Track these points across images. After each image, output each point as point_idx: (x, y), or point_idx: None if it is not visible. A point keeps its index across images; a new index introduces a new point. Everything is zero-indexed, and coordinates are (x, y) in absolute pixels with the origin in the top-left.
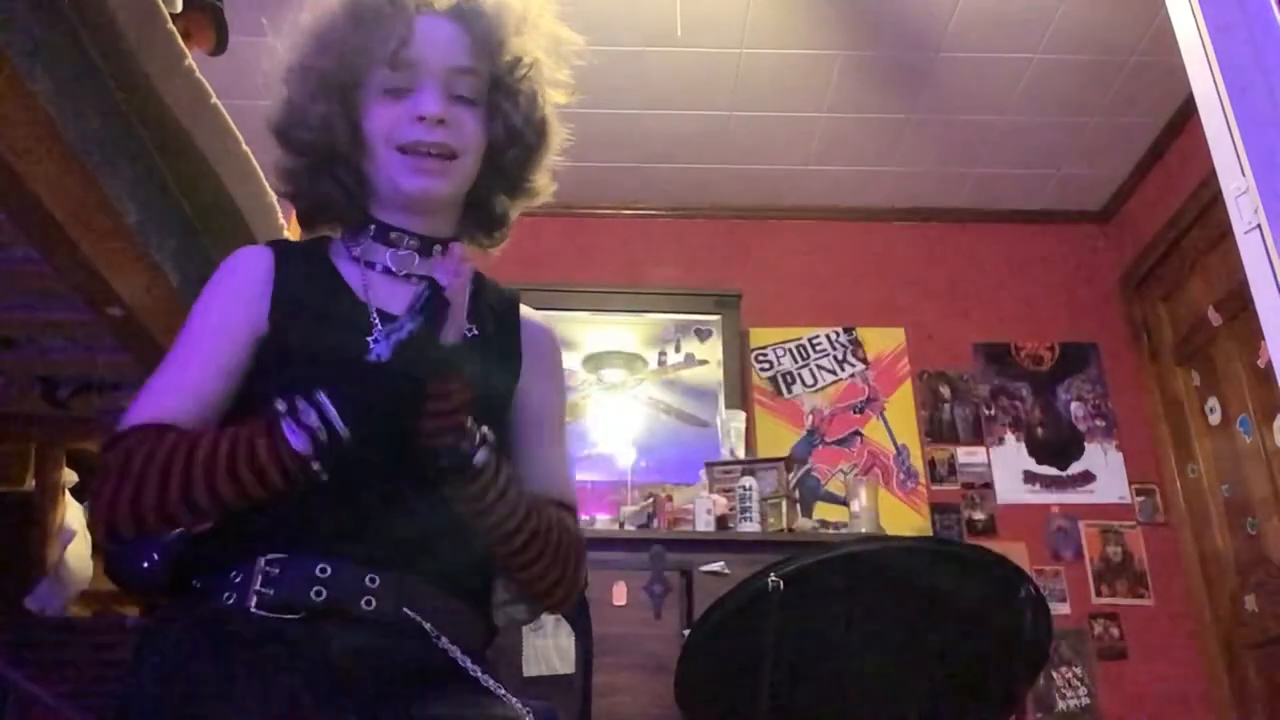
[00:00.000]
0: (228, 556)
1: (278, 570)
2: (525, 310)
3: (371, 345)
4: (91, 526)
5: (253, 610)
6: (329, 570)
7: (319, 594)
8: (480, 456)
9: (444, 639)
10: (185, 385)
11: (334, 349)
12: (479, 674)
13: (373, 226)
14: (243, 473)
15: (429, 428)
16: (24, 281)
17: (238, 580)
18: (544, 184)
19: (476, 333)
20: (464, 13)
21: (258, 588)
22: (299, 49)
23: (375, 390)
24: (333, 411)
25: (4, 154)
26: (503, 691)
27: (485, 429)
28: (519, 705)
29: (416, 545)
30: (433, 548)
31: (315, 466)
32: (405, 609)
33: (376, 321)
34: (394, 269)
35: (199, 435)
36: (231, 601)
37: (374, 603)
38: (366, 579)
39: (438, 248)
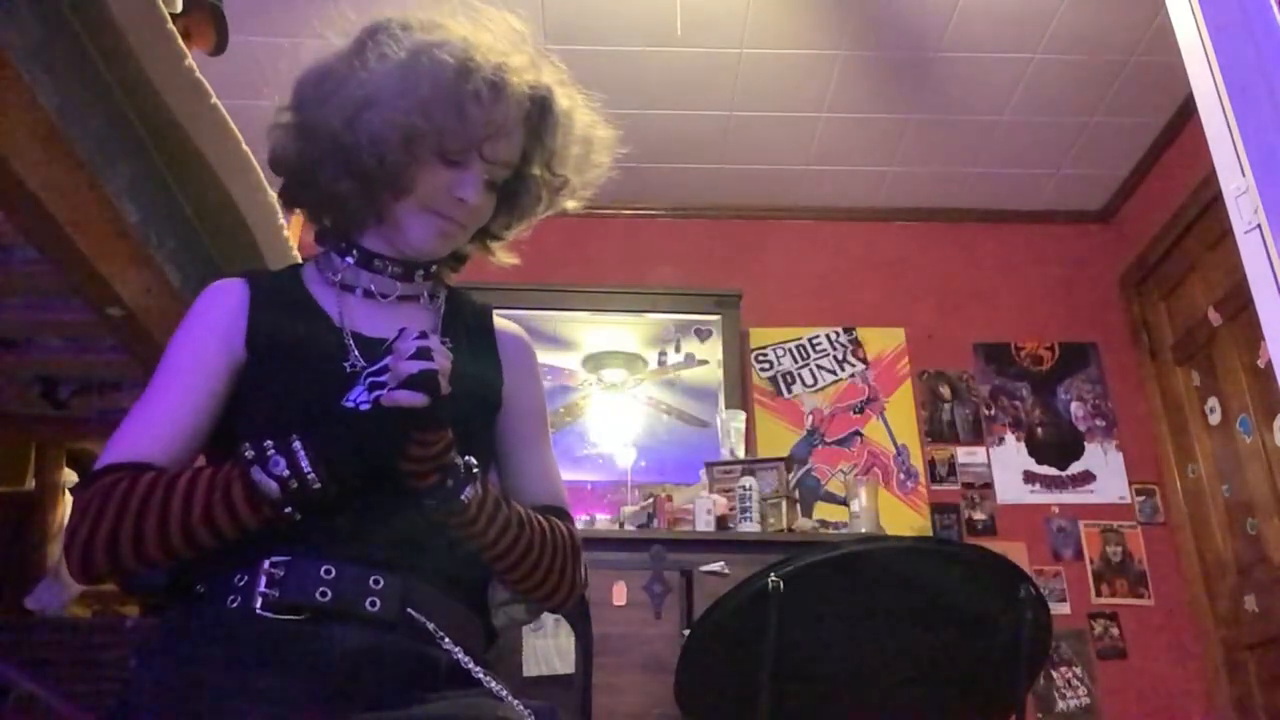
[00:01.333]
0: (231, 560)
1: (282, 572)
2: (498, 320)
3: (351, 395)
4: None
5: (258, 612)
6: (333, 572)
7: (324, 595)
8: (467, 493)
9: (447, 640)
10: (161, 423)
11: (313, 378)
12: (481, 675)
13: (355, 252)
14: (218, 517)
15: (413, 475)
16: (24, 281)
17: (242, 583)
18: (505, 250)
19: (450, 344)
20: (537, 116)
21: (263, 589)
22: (382, 83)
23: (353, 435)
24: (304, 460)
25: (4, 154)
26: (505, 693)
27: (470, 460)
28: (520, 707)
29: (418, 547)
30: (433, 549)
31: (287, 511)
32: (409, 610)
33: (352, 346)
34: (375, 291)
35: (175, 476)
36: (237, 604)
37: (378, 604)
38: (371, 580)
39: (419, 272)
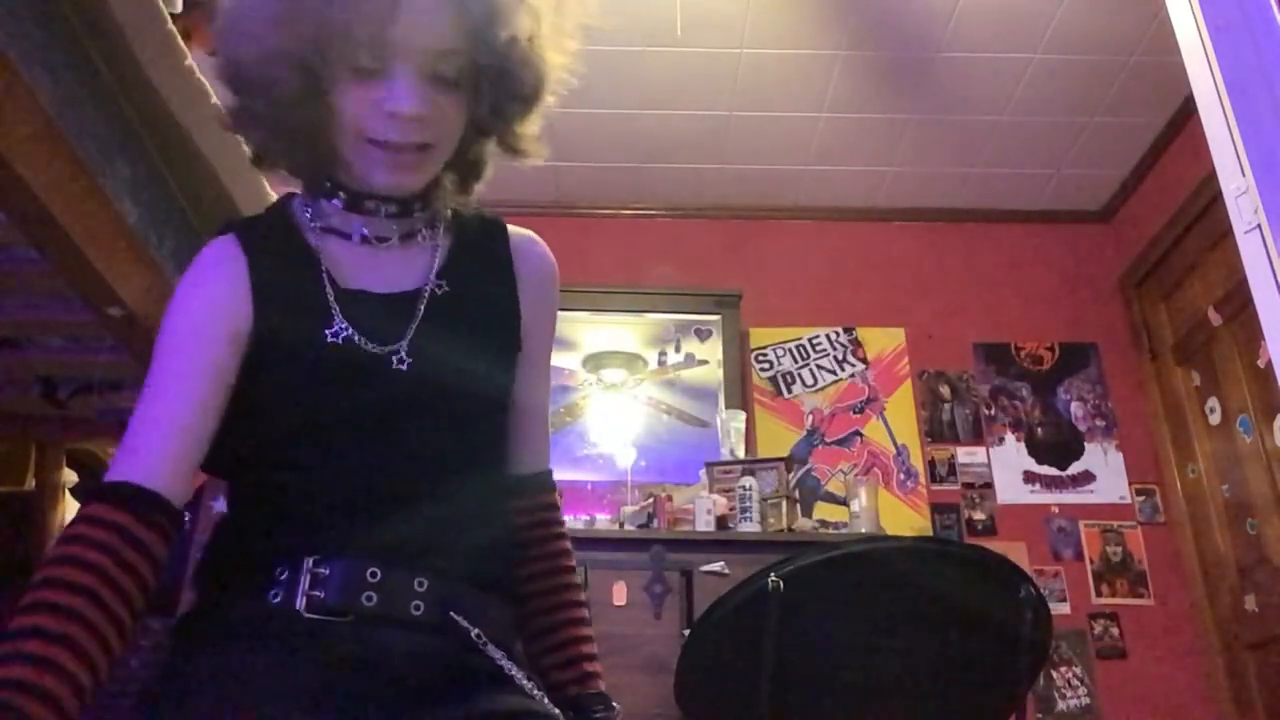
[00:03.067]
0: (271, 552)
1: (326, 572)
2: (514, 235)
3: None
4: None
5: (302, 612)
6: (379, 575)
7: (369, 599)
8: None
9: (490, 645)
10: (170, 428)
11: (302, 357)
12: (521, 678)
13: (341, 194)
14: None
15: None
16: (24, 281)
17: (283, 577)
18: (534, 146)
19: (449, 290)
20: None
21: (307, 590)
22: (250, 9)
23: None
24: None
25: (4, 154)
26: (539, 693)
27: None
28: (553, 708)
29: (456, 547)
30: (469, 549)
31: None
32: (451, 613)
33: (336, 310)
34: (370, 237)
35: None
36: (279, 600)
37: (422, 608)
38: (415, 583)
39: (417, 204)
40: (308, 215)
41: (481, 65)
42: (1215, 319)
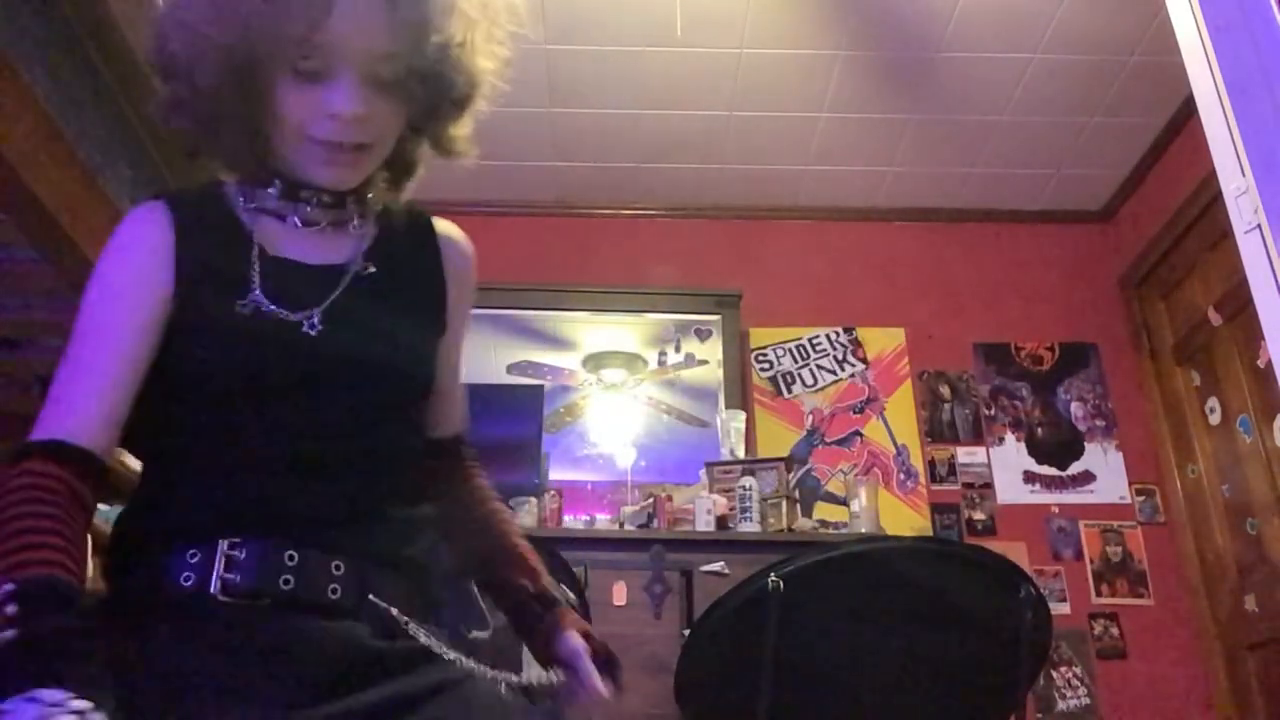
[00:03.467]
0: (181, 533)
1: (242, 554)
2: (440, 230)
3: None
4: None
5: (218, 597)
6: (296, 558)
7: (287, 583)
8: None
9: (409, 622)
10: (99, 386)
11: (221, 323)
12: (438, 648)
13: (277, 183)
14: None
15: None
16: (24, 281)
17: (195, 560)
18: (465, 146)
19: (374, 270)
20: None
21: (222, 573)
22: (186, 6)
23: None
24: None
25: (4, 154)
26: (463, 660)
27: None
28: (476, 666)
29: (369, 528)
30: (382, 530)
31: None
32: (370, 596)
33: (255, 278)
34: (304, 223)
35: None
36: (191, 583)
37: (339, 591)
38: (332, 566)
39: (351, 198)
40: (241, 200)
41: (416, 69)
42: (1215, 319)
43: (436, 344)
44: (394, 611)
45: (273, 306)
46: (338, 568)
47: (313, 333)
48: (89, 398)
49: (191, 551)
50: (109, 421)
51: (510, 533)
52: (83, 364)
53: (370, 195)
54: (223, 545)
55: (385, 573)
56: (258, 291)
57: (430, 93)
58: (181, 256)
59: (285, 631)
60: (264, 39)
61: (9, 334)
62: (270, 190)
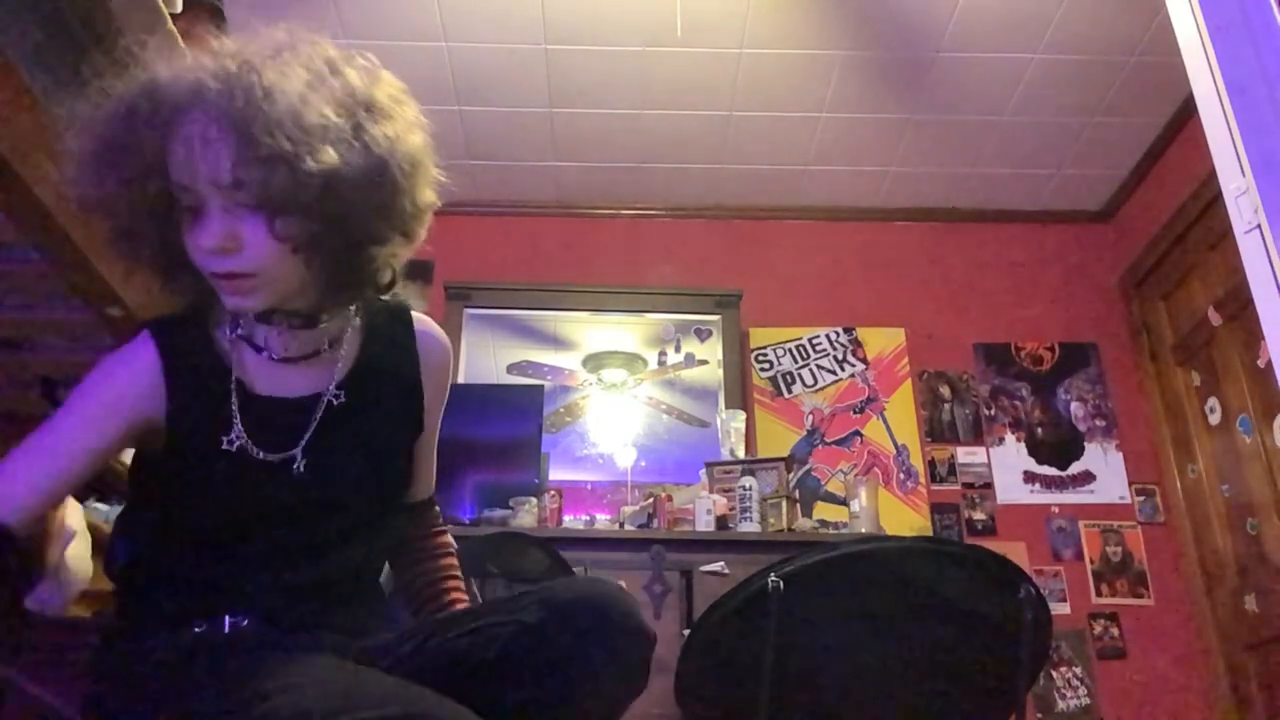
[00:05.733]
0: (182, 611)
1: (245, 623)
2: (420, 329)
3: None
4: (90, 527)
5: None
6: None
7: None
8: None
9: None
10: (44, 482)
11: (203, 463)
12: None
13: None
14: None
15: None
16: (24, 281)
17: (201, 630)
18: (415, 227)
19: (345, 400)
20: (223, 112)
21: (230, 620)
22: (78, 154)
23: None
24: None
25: (4, 154)
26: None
27: None
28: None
29: (341, 612)
30: (349, 611)
31: None
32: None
33: (236, 416)
34: (277, 356)
35: None
36: (203, 629)
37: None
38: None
39: (324, 316)
40: (227, 321)
41: (279, 187)
42: (1215, 319)
43: (414, 446)
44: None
45: (254, 447)
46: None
47: (303, 472)
48: (45, 481)
49: (196, 623)
50: (44, 507)
51: (450, 589)
52: (44, 452)
53: (339, 314)
54: (227, 619)
55: (351, 645)
56: (239, 429)
57: (325, 206)
58: (172, 392)
59: (295, 646)
60: (138, 183)
61: (9, 334)
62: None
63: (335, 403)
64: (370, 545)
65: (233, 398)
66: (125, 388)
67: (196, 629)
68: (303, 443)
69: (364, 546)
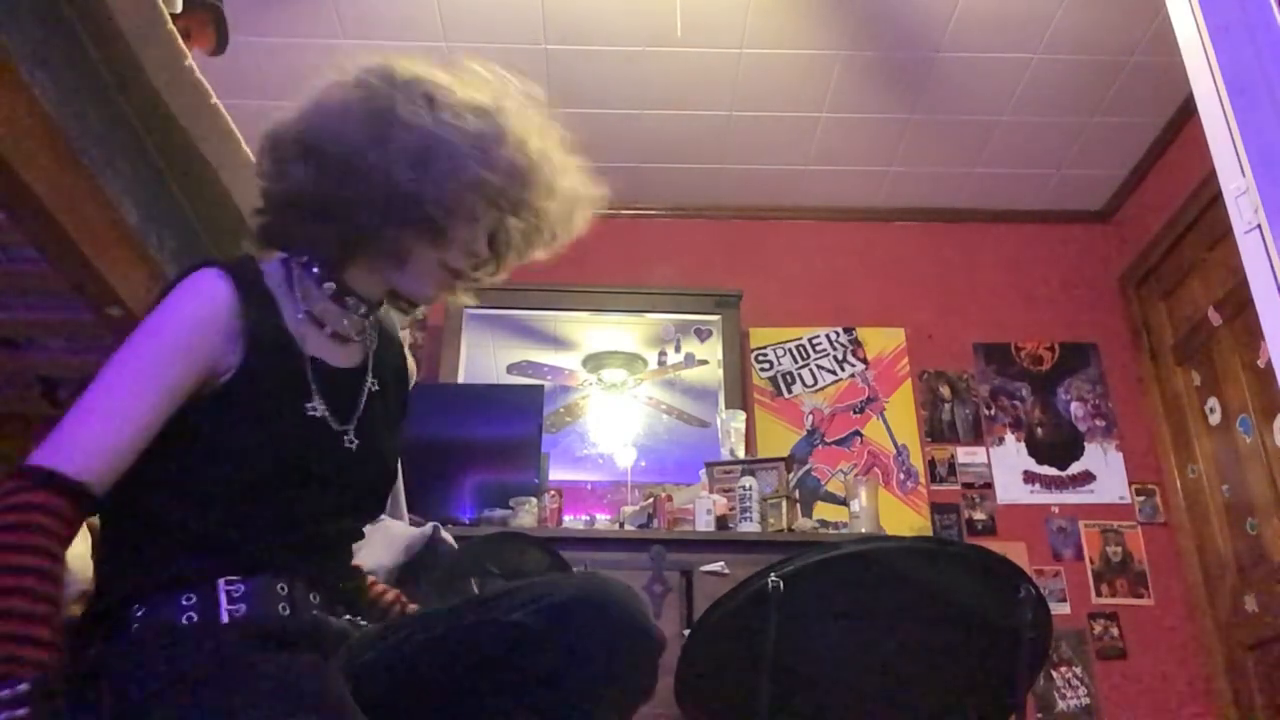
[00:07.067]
0: (176, 581)
1: (241, 589)
2: (390, 316)
3: None
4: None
5: (224, 623)
6: (286, 589)
7: (284, 609)
8: None
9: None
10: (120, 445)
11: (281, 423)
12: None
13: (332, 286)
14: None
15: None
16: (24, 281)
17: (191, 602)
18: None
19: (378, 387)
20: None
21: (226, 606)
22: (456, 139)
23: None
24: None
25: (4, 154)
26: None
27: None
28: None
29: (333, 560)
30: (345, 572)
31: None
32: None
33: (314, 386)
34: (339, 333)
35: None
36: (196, 619)
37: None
38: (311, 596)
39: (375, 311)
40: (296, 295)
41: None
42: (1215, 319)
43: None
44: (362, 622)
45: (330, 416)
46: (314, 598)
47: (351, 447)
48: (123, 443)
49: (185, 595)
50: (117, 469)
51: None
52: (115, 408)
53: (381, 308)
54: (221, 584)
55: (340, 591)
56: (318, 398)
57: (505, 258)
58: (248, 340)
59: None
60: (508, 194)
61: (9, 334)
62: (326, 287)
63: (373, 389)
64: (368, 521)
65: (308, 365)
66: (211, 326)
67: (185, 601)
68: (354, 420)
69: (365, 518)
